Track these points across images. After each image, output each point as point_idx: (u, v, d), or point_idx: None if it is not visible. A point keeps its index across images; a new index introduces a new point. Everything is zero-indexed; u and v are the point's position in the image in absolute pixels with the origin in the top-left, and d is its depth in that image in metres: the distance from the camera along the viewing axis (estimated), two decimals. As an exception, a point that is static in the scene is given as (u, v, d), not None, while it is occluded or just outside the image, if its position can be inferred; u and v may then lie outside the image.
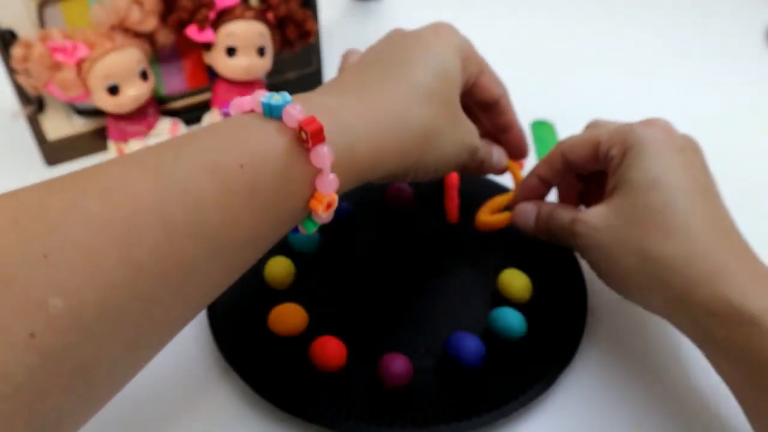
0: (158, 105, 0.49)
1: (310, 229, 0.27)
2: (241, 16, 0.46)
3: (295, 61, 0.55)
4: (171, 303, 0.22)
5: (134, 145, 0.47)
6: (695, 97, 0.59)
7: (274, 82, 0.54)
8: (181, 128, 0.49)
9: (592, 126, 0.39)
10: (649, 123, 0.35)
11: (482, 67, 0.37)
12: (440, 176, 0.34)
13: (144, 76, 0.45)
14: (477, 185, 0.45)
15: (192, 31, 0.46)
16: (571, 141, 0.37)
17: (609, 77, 0.61)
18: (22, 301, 0.19)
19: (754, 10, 0.71)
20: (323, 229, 0.42)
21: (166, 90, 0.50)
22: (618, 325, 0.39)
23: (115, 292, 0.20)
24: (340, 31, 0.66)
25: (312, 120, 0.24)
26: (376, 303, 0.39)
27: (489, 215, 0.41)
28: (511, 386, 0.34)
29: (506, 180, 0.49)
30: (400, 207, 0.44)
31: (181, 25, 0.46)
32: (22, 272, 0.19)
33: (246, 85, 0.50)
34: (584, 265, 0.38)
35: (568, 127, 0.54)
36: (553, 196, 0.41)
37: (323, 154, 0.25)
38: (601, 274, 0.35)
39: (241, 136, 0.24)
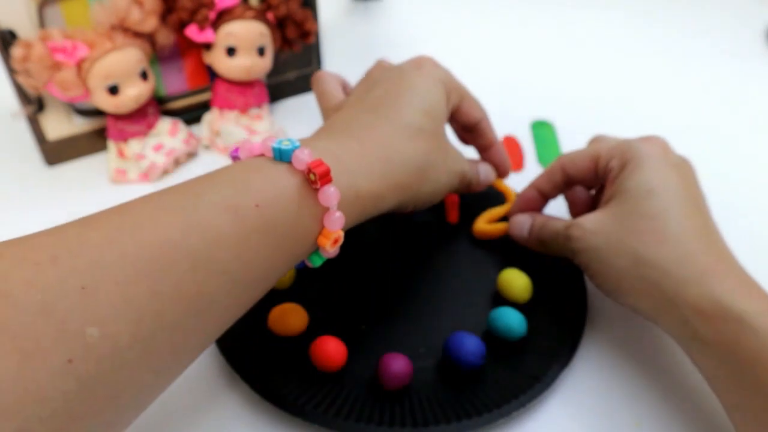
0: (158, 105, 0.49)
1: (316, 263, 0.30)
2: (241, 16, 0.46)
3: (295, 61, 0.55)
4: (192, 332, 0.24)
5: (134, 145, 0.47)
6: (695, 96, 0.59)
7: (274, 82, 0.54)
8: (181, 128, 0.49)
9: (594, 141, 0.40)
10: (647, 140, 0.36)
11: (463, 93, 0.39)
12: (435, 203, 0.37)
13: (144, 76, 0.45)
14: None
15: (192, 31, 0.46)
16: (572, 155, 0.39)
17: (609, 77, 0.61)
18: (62, 330, 0.20)
19: (754, 10, 0.71)
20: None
21: (166, 90, 0.50)
22: (618, 325, 0.39)
23: (144, 322, 0.22)
24: (340, 31, 0.66)
25: (320, 163, 0.27)
26: (376, 303, 0.39)
27: (486, 224, 0.42)
28: (511, 386, 0.34)
29: (507, 182, 0.49)
30: (400, 207, 0.44)
31: (181, 25, 0.46)
32: (61, 303, 0.20)
33: (246, 85, 0.50)
34: (584, 265, 0.38)
35: (568, 127, 0.54)
36: (555, 211, 0.41)
37: (330, 194, 0.27)
38: (592, 276, 0.36)
39: (256, 179, 0.26)
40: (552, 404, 0.35)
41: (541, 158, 0.51)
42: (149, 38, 0.45)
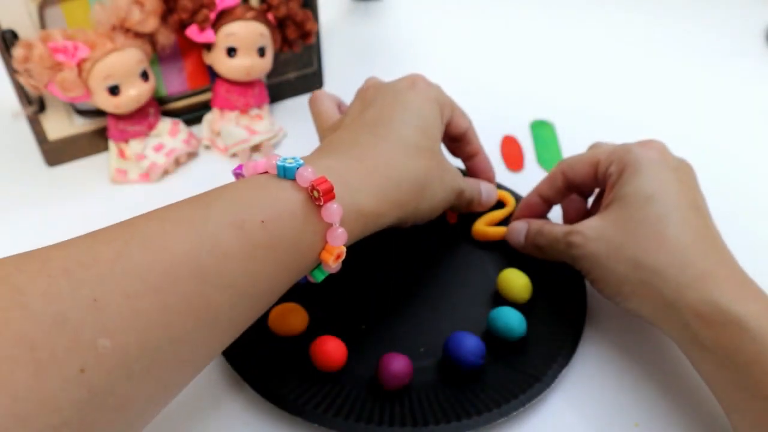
0: (159, 105, 0.49)
1: (318, 278, 0.30)
2: (241, 17, 0.46)
3: (296, 61, 0.55)
4: (198, 345, 0.25)
5: (134, 146, 0.47)
6: (695, 96, 0.59)
7: (275, 82, 0.54)
8: (182, 128, 0.50)
9: (593, 147, 0.41)
10: (645, 144, 0.37)
11: (452, 107, 0.40)
12: (433, 218, 0.37)
13: (145, 76, 0.45)
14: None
15: (192, 32, 0.46)
16: (572, 160, 0.39)
17: (609, 77, 0.61)
18: (75, 340, 0.21)
19: (754, 10, 0.71)
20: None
21: (166, 90, 0.50)
22: (618, 325, 0.39)
23: (153, 334, 0.22)
24: (340, 31, 0.66)
25: (323, 180, 0.27)
26: (376, 303, 0.39)
27: (485, 226, 0.42)
28: (511, 386, 0.34)
29: (507, 182, 0.49)
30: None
31: (181, 26, 0.46)
32: (74, 314, 0.21)
33: (246, 86, 0.50)
34: (584, 265, 0.38)
35: (568, 127, 0.55)
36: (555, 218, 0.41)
37: (333, 210, 0.28)
38: (594, 282, 0.36)
39: (261, 195, 0.27)
40: (552, 404, 0.35)
41: (541, 158, 0.51)
42: (150, 39, 0.45)
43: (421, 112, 0.36)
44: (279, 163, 0.28)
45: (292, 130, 0.53)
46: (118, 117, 0.46)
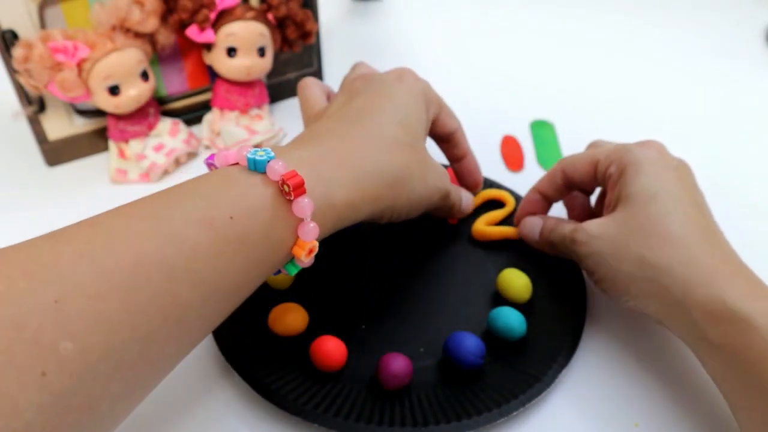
0: (159, 105, 0.49)
1: (292, 272, 0.30)
2: (241, 17, 0.46)
3: (295, 61, 0.55)
4: (168, 343, 0.24)
5: (135, 146, 0.47)
6: (695, 96, 0.59)
7: (274, 82, 0.54)
8: (182, 128, 0.50)
9: (592, 146, 0.41)
10: (644, 144, 0.37)
11: (440, 105, 0.40)
12: (413, 217, 0.37)
13: (145, 76, 0.45)
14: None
15: (192, 32, 0.46)
16: (572, 158, 0.39)
17: (608, 77, 0.61)
18: (35, 343, 0.20)
19: (754, 10, 0.71)
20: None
21: (166, 90, 0.50)
22: (618, 324, 0.39)
23: (118, 335, 0.22)
24: (340, 31, 0.66)
25: (294, 174, 0.27)
26: (376, 303, 0.39)
27: (485, 226, 0.42)
28: (511, 386, 0.34)
29: (507, 182, 0.49)
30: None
31: (181, 26, 0.46)
32: (34, 317, 0.20)
33: (246, 86, 0.50)
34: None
35: (568, 127, 0.55)
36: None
37: (304, 205, 0.27)
38: (598, 281, 0.36)
39: (230, 190, 0.27)
40: (552, 404, 0.35)
41: (541, 158, 0.51)
42: (150, 39, 0.46)
43: (406, 106, 0.36)
44: (249, 155, 0.27)
45: (292, 130, 0.53)
46: (118, 117, 0.46)
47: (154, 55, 0.47)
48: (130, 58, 0.44)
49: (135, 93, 0.45)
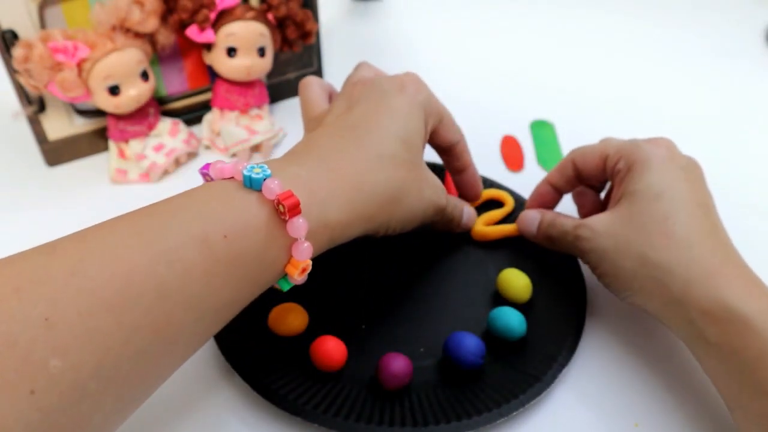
0: (159, 105, 0.49)
1: (285, 288, 0.30)
2: (241, 17, 0.46)
3: (295, 61, 0.55)
4: (159, 359, 0.24)
5: (135, 146, 0.47)
6: (695, 96, 0.59)
7: (274, 82, 0.54)
8: (182, 128, 0.50)
9: (604, 141, 0.40)
10: (654, 141, 0.37)
11: (441, 115, 0.39)
12: (409, 230, 0.36)
13: (145, 76, 0.45)
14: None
15: (192, 32, 0.46)
16: (583, 150, 0.39)
17: (608, 77, 0.61)
18: (24, 361, 0.20)
19: (754, 10, 0.71)
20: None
21: (166, 90, 0.50)
22: (618, 324, 0.39)
23: (109, 353, 0.22)
24: (340, 31, 0.66)
25: (289, 195, 0.27)
26: (376, 303, 0.39)
27: (485, 226, 0.42)
28: (511, 386, 0.34)
29: (507, 182, 0.49)
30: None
31: (181, 26, 0.46)
32: (24, 335, 0.20)
33: (246, 86, 0.50)
34: (584, 265, 0.38)
35: (568, 127, 0.55)
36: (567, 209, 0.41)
37: (299, 225, 0.27)
38: (601, 276, 0.36)
39: (225, 208, 0.27)
40: (552, 404, 0.35)
41: (541, 158, 0.51)
42: (150, 39, 0.46)
43: (405, 120, 0.35)
44: (245, 172, 0.27)
45: (292, 130, 0.53)
46: (118, 117, 0.46)
47: (154, 55, 0.47)
48: (130, 58, 0.44)
49: (135, 93, 0.45)
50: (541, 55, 0.64)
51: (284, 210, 0.27)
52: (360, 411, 0.33)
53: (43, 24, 0.43)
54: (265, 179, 0.27)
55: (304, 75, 0.56)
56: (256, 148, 0.50)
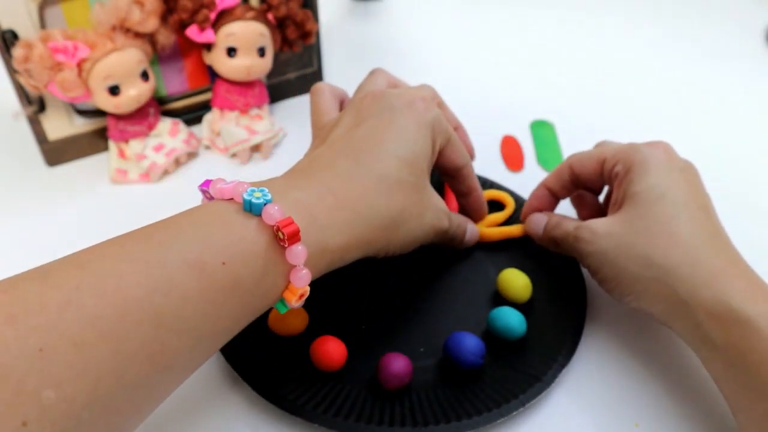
0: (159, 105, 0.49)
1: (282, 311, 0.29)
2: (241, 17, 0.46)
3: (296, 61, 0.55)
4: (153, 387, 0.24)
5: (135, 146, 0.47)
6: (695, 96, 0.59)
7: (274, 82, 0.54)
8: (182, 128, 0.50)
9: (600, 145, 0.40)
10: (652, 144, 0.36)
11: (449, 137, 0.37)
12: (407, 251, 0.36)
13: (145, 76, 0.45)
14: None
15: (192, 32, 0.46)
16: (580, 155, 0.39)
17: (608, 77, 0.61)
18: (17, 392, 0.20)
19: (754, 10, 0.71)
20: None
21: (166, 90, 0.50)
22: (617, 324, 0.39)
23: (104, 383, 0.22)
24: (340, 31, 0.66)
25: (289, 222, 0.26)
26: (376, 303, 0.39)
27: (485, 228, 0.42)
28: (511, 386, 0.34)
29: (507, 182, 0.49)
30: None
31: (181, 26, 0.46)
32: (18, 365, 0.20)
33: (246, 86, 0.50)
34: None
35: (568, 127, 0.55)
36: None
37: (298, 252, 0.27)
38: (602, 280, 0.36)
39: (223, 233, 0.26)
40: (552, 404, 0.35)
41: (541, 158, 0.51)
42: (150, 39, 0.46)
43: (412, 140, 0.34)
44: (246, 196, 0.27)
45: (292, 130, 0.53)
46: (118, 117, 0.46)
47: (154, 55, 0.47)
48: (130, 58, 0.44)
49: (135, 93, 0.45)
50: (541, 55, 0.64)
51: (284, 237, 0.26)
52: (360, 411, 0.33)
53: (43, 24, 0.43)
54: (265, 204, 0.27)
55: (304, 75, 0.56)
56: (256, 148, 0.50)
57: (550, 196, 0.41)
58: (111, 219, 0.45)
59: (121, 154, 0.48)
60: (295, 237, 0.26)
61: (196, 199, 0.31)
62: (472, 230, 0.41)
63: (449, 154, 0.38)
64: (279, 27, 0.49)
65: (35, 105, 0.45)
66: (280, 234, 0.27)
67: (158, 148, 0.48)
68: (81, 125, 0.48)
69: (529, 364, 0.35)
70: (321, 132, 0.38)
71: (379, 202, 0.32)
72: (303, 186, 0.31)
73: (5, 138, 0.51)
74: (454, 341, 0.34)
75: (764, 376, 0.28)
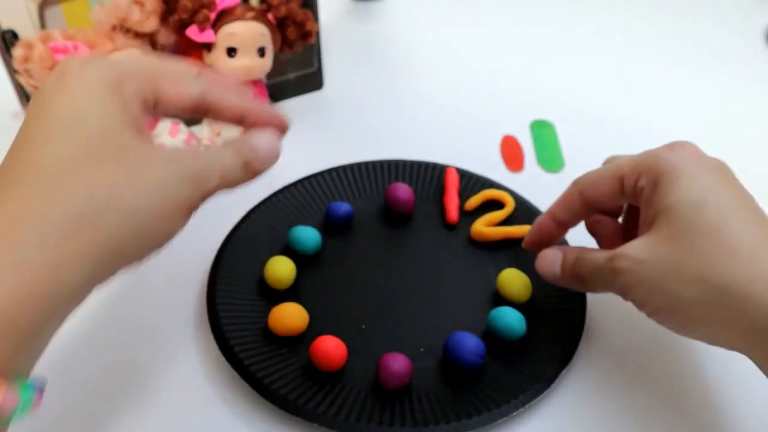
0: (159, 105, 0.49)
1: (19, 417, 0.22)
2: (241, 17, 0.46)
3: (296, 61, 0.55)
4: None
5: (135, 146, 0.47)
6: (695, 97, 0.59)
7: (275, 82, 0.54)
8: (182, 129, 0.49)
9: (610, 161, 0.36)
10: (674, 147, 0.31)
11: (153, 76, 0.28)
12: (167, 242, 0.27)
13: (144, 76, 0.45)
14: (477, 186, 0.46)
15: (192, 32, 0.46)
16: (590, 177, 0.34)
17: (609, 78, 0.61)
18: None
19: (754, 10, 0.71)
20: (324, 229, 0.42)
21: (166, 90, 0.50)
22: (618, 325, 0.39)
23: None
24: (340, 31, 0.66)
25: None
26: (376, 303, 0.39)
27: (485, 227, 0.42)
28: (511, 386, 0.34)
29: (507, 182, 0.49)
30: (399, 207, 0.44)
31: (181, 26, 0.46)
32: None
33: (246, 86, 0.50)
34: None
35: (568, 127, 0.55)
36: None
37: None
38: (654, 313, 0.31)
39: None
40: (552, 404, 0.35)
41: (541, 158, 0.51)
42: (150, 39, 0.46)
43: (80, 114, 0.26)
44: None
45: (292, 129, 0.53)
46: (118, 117, 0.46)
47: (154, 55, 0.47)
48: (130, 58, 0.44)
49: (135, 93, 0.45)
50: (541, 56, 0.64)
51: None
52: (360, 411, 0.33)
53: (43, 24, 0.43)
54: None
55: (304, 75, 0.56)
56: (256, 148, 0.50)
57: (557, 227, 0.36)
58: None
59: (121, 154, 0.48)
60: None
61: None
62: (260, 138, 0.30)
63: (169, 91, 0.28)
64: (279, 27, 0.49)
65: (35, 105, 0.45)
66: None
67: (158, 148, 0.48)
68: (81, 125, 0.48)
69: (529, 364, 0.35)
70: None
71: (48, 209, 0.24)
72: None
73: (5, 138, 0.51)
74: (454, 341, 0.34)
75: None
